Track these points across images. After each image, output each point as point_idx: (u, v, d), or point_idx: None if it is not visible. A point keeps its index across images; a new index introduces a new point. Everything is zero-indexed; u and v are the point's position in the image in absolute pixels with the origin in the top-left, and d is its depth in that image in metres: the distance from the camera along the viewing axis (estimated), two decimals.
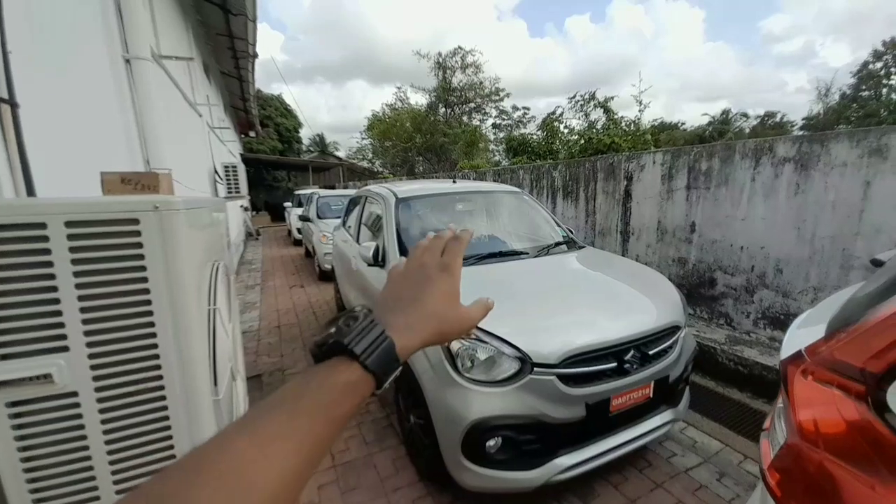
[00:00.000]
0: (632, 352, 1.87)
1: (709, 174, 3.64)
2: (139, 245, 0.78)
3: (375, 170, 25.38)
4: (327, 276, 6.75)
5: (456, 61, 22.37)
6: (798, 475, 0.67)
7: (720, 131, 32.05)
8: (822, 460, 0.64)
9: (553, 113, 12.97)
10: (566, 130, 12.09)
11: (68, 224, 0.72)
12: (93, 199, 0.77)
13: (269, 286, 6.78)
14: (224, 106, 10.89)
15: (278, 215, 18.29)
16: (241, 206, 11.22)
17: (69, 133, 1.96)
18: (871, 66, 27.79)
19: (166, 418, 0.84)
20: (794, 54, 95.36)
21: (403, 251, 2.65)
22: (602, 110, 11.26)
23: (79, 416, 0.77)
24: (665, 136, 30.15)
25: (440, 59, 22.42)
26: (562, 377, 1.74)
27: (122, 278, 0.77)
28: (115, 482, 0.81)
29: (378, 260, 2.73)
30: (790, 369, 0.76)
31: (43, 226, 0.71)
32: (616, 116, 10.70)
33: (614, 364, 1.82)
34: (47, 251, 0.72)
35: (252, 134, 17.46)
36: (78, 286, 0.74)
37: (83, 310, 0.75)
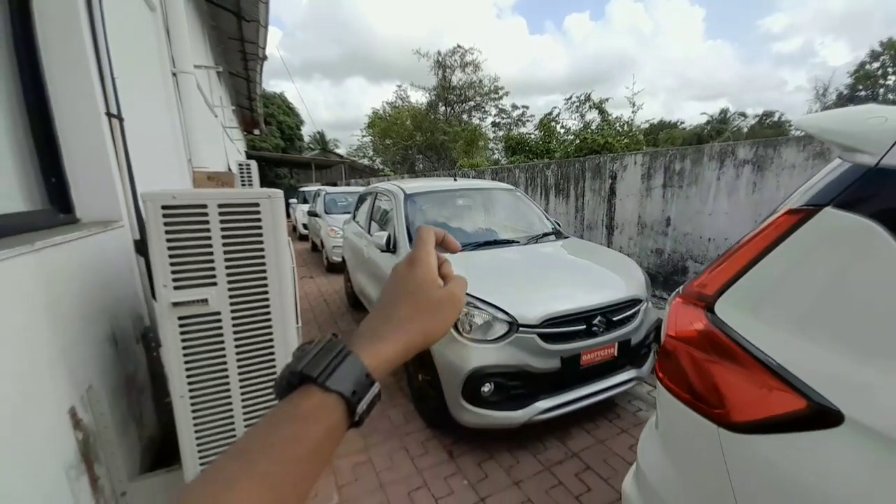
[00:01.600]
0: (598, 317, 2.31)
1: (682, 174, 4.08)
2: (259, 220, 1.22)
3: (376, 167, 25.75)
4: (335, 268, 7.19)
5: (455, 60, 22.69)
6: (668, 360, 1.12)
7: (718, 130, 32.24)
8: (681, 347, 1.09)
9: (550, 113, 13.40)
10: (562, 130, 12.53)
11: (220, 206, 1.16)
12: (232, 191, 1.21)
13: None
14: (232, 105, 11.29)
15: None
16: None
17: (141, 137, 2.39)
18: (867, 67, 28.07)
19: (271, 334, 1.28)
20: (793, 53, 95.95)
21: (412, 239, 3.08)
22: (597, 111, 11.69)
23: (220, 329, 1.22)
24: (664, 134, 30.45)
25: (439, 58, 22.75)
26: (541, 335, 2.18)
27: (248, 240, 1.22)
28: (240, 374, 1.26)
29: (390, 247, 3.17)
30: (672, 302, 1.21)
31: (205, 206, 1.15)
32: (610, 117, 11.13)
33: (584, 326, 2.27)
34: (207, 222, 1.16)
35: (256, 132, 17.85)
36: (223, 244, 1.18)
37: (226, 259, 1.19)
